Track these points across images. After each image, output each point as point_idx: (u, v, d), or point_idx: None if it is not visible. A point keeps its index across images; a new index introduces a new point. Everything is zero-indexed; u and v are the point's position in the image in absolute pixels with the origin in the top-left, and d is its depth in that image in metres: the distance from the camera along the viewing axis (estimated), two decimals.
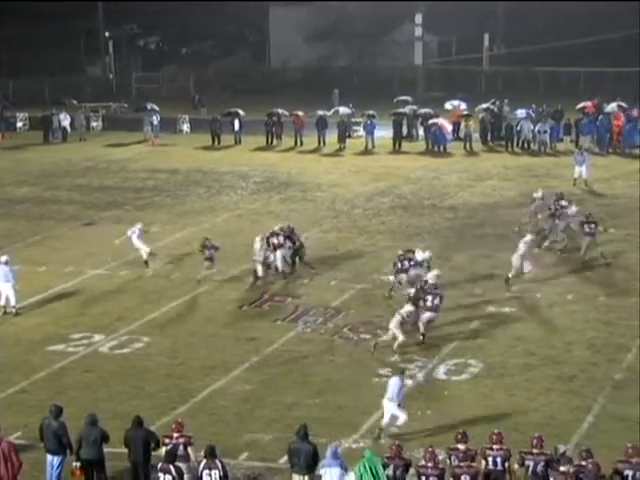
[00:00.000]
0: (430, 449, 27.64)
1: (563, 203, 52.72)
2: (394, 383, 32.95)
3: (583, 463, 27.36)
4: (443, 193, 63.97)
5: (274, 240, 47.03)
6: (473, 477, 27.22)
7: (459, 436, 28.30)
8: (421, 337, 40.54)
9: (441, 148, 75.48)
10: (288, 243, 47.31)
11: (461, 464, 27.42)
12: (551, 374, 37.95)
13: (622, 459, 27.62)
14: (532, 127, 76.74)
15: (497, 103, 78.17)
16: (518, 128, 76.93)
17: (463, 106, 77.90)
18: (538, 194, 54.95)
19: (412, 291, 41.70)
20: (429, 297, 40.94)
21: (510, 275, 46.94)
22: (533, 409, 34.66)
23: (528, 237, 48.55)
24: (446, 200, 62.00)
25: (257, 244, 46.65)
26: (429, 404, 35.24)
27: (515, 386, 36.79)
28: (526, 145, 76.08)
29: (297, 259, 47.98)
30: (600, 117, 76.12)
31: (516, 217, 56.61)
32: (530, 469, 27.65)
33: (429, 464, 27.27)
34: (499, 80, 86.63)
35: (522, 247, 47.62)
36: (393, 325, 39.86)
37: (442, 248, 51.76)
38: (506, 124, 77.64)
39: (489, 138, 76.93)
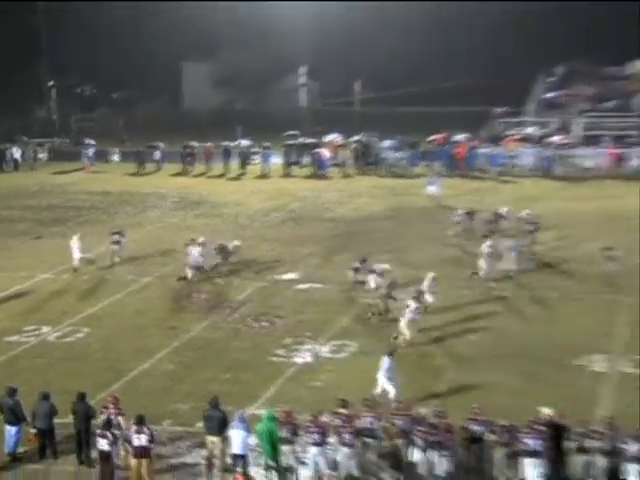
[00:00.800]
0: (315, 414, 28.28)
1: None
2: (385, 361, 33.06)
3: (436, 421, 27.85)
4: (325, 208, 64.38)
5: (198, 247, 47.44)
6: (352, 434, 27.59)
7: (341, 402, 28.72)
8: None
9: (323, 172, 75.05)
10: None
11: (344, 424, 27.89)
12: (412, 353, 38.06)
13: (470, 417, 27.98)
14: (395, 155, 76.86)
15: (366, 136, 78.05)
16: (383, 156, 77.10)
17: (339, 138, 77.87)
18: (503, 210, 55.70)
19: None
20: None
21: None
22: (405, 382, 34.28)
23: (488, 242, 48.59)
24: (327, 214, 62.50)
25: (193, 251, 47.34)
26: (318, 376, 35.56)
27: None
28: (390, 169, 75.78)
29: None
30: (446, 146, 76.47)
31: (383, 227, 57.43)
32: (399, 427, 28.09)
33: (312, 425, 27.85)
34: (368, 117, 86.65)
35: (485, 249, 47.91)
36: (404, 324, 39.27)
37: (325, 252, 52.47)
38: (374, 153, 77.57)
39: (361, 164, 76.67)
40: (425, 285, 41.94)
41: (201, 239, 48.78)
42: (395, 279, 43.71)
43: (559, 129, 79.20)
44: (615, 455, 27.12)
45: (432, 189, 65.29)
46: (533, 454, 27.21)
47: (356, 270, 44.89)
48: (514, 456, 27.48)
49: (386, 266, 45.05)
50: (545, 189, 69.20)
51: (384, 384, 32.79)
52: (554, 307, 43.87)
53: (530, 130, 79.25)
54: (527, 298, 45.14)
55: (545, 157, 75.88)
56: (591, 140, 77.65)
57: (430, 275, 42.72)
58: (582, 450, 27.57)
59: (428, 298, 41.52)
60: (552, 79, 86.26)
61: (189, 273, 47.24)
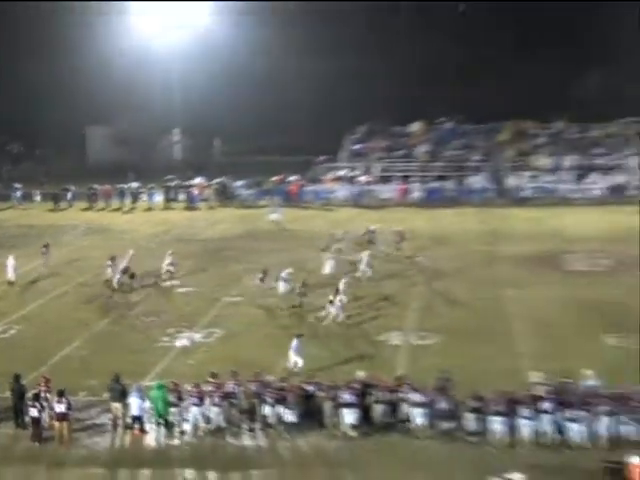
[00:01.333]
0: (194, 383, 29.67)
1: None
2: (295, 342, 33.90)
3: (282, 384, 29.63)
4: (196, 232, 64.75)
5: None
6: (220, 397, 29.23)
7: (211, 374, 30.24)
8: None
9: (193, 205, 75.38)
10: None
11: (214, 390, 29.43)
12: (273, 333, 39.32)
13: (308, 380, 29.61)
14: (245, 192, 77.76)
15: (224, 178, 78.54)
16: (237, 193, 77.92)
17: (204, 181, 78.20)
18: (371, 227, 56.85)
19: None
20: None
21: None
22: (257, 357, 35.31)
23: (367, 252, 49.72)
24: (198, 236, 62.75)
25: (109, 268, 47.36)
26: (194, 356, 36.68)
27: (246, 345, 37.82)
28: (242, 203, 76.41)
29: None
30: (283, 185, 77.67)
31: (239, 244, 57.94)
32: (253, 390, 29.51)
33: (192, 391, 29.39)
34: (225, 165, 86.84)
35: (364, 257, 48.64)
36: (333, 310, 40.03)
37: (199, 264, 52.97)
38: (230, 190, 78.16)
39: (221, 199, 77.14)
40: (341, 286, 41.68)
41: (115, 258, 48.75)
42: (306, 280, 44.35)
43: (364, 171, 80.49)
44: (399, 402, 28.93)
45: (275, 216, 66.42)
46: (350, 405, 28.36)
47: (262, 280, 44.87)
48: (337, 407, 28.64)
49: (289, 270, 45.18)
50: (354, 214, 70.28)
51: (294, 358, 33.62)
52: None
53: (343, 172, 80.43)
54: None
55: (354, 192, 77.30)
56: (386, 179, 79.42)
57: (344, 280, 42.64)
58: (380, 402, 29.09)
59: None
60: (357, 135, 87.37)
61: (113, 281, 47.23)
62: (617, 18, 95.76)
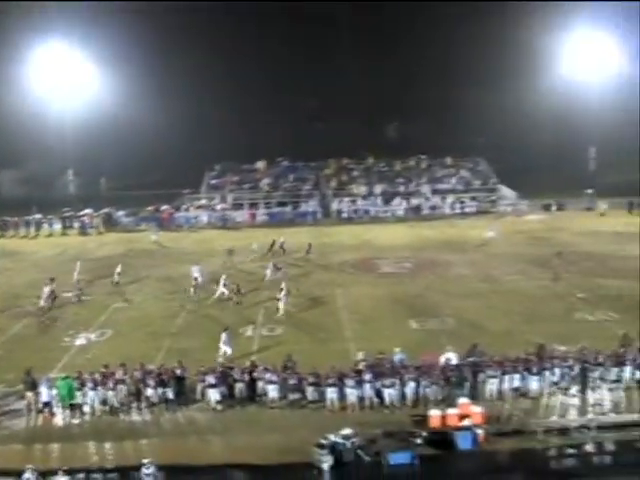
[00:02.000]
0: (92, 372, 29.80)
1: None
2: (224, 335, 33.88)
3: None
4: (89, 252, 62.17)
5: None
6: (114, 382, 29.54)
7: (104, 366, 30.25)
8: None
9: (85, 232, 73.49)
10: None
11: (107, 377, 29.66)
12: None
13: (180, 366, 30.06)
14: (127, 219, 76.59)
15: (109, 209, 76.99)
16: (120, 220, 76.51)
17: (93, 211, 76.12)
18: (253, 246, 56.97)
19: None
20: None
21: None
22: (140, 351, 35.24)
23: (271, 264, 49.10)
24: (90, 255, 60.36)
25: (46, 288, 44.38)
26: (90, 352, 36.04)
27: (131, 341, 37.48)
28: (125, 228, 74.90)
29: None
30: (157, 213, 77.04)
31: (124, 260, 53.55)
32: (137, 376, 29.87)
33: (90, 378, 29.42)
34: (110, 198, 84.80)
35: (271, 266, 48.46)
36: (281, 305, 40.42)
37: (91, 277, 50.56)
38: (114, 219, 76.45)
39: (107, 226, 75.21)
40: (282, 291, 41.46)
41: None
42: (238, 284, 44.20)
43: (220, 200, 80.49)
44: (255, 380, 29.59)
45: (155, 237, 65.76)
46: (214, 385, 28.80)
47: (195, 286, 45.21)
48: (208, 387, 29.07)
49: (224, 276, 44.99)
50: (216, 235, 69.89)
51: (224, 348, 33.58)
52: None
53: (204, 202, 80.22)
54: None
55: (214, 217, 77.17)
56: (238, 206, 79.57)
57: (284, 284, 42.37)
58: (239, 381, 29.70)
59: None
60: (214, 172, 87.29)
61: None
62: (409, 77, 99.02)
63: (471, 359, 30.36)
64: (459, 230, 68.51)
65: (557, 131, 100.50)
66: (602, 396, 29.16)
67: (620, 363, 29.90)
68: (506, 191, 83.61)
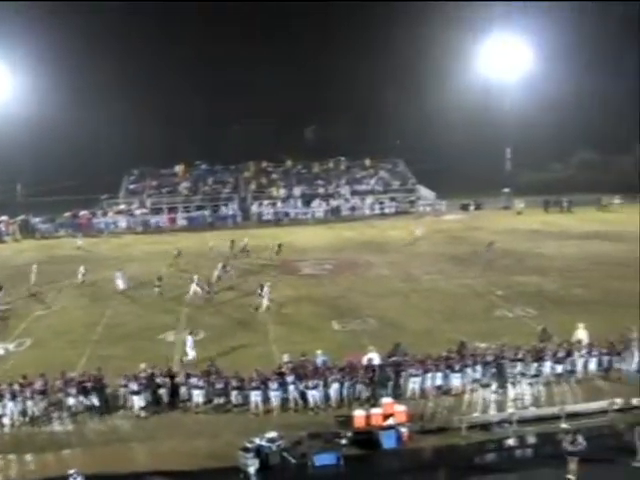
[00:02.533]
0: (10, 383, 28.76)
1: None
2: (188, 339, 34.08)
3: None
4: (8, 259, 60.54)
5: None
6: (32, 392, 28.69)
7: (22, 376, 29.33)
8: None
9: (1, 239, 71.18)
10: None
11: (24, 387, 28.86)
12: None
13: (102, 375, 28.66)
14: (44, 226, 74.37)
15: (25, 216, 75.01)
16: (37, 227, 73.90)
17: (9, 218, 74.12)
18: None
19: None
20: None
21: None
22: (61, 359, 34.50)
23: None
24: (10, 262, 58.37)
25: None
26: (9, 362, 35.01)
27: (52, 349, 36.67)
28: (42, 234, 73.21)
29: None
30: (75, 219, 75.59)
31: (44, 268, 52.01)
32: (59, 385, 28.99)
33: (8, 388, 28.52)
34: (26, 204, 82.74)
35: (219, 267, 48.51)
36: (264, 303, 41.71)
37: (12, 285, 48.16)
38: (31, 225, 74.00)
39: (24, 232, 73.35)
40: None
41: None
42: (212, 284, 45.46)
43: (139, 205, 79.49)
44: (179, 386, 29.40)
45: (80, 243, 64.77)
46: (137, 392, 28.57)
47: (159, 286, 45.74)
48: (131, 394, 28.65)
49: (196, 276, 45.46)
50: (136, 239, 69.15)
51: (189, 352, 33.59)
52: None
53: (123, 207, 79.04)
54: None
55: (133, 222, 76.20)
56: (157, 210, 78.71)
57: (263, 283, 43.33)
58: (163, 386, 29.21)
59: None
60: (132, 176, 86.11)
61: None
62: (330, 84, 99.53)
63: (393, 358, 30.58)
64: (379, 231, 69.12)
65: (474, 132, 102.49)
66: (522, 391, 29.70)
67: (540, 358, 30.50)
68: (425, 191, 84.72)
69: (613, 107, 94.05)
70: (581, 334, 32.40)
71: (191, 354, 33.76)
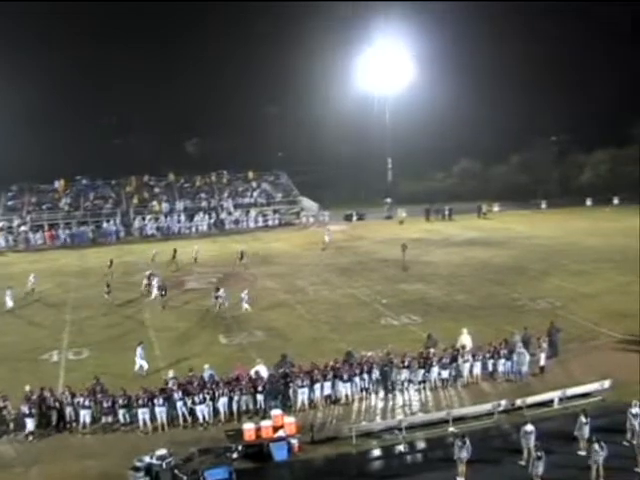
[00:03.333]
0: None
1: None
2: (138, 349, 33.39)
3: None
4: None
5: None
6: None
7: None
8: None
9: None
10: None
11: None
12: None
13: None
14: None
15: None
16: None
17: None
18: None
19: None
20: None
21: None
22: None
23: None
24: None
25: None
26: None
27: None
28: None
29: None
30: None
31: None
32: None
33: None
34: None
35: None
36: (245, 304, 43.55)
37: None
38: None
39: None
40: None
41: None
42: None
43: (18, 222, 76.79)
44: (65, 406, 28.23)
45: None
46: (27, 415, 27.31)
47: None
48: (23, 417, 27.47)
49: (157, 278, 48.47)
50: (14, 258, 66.72)
51: (140, 362, 33.18)
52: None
53: (1, 224, 76.24)
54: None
55: (12, 240, 73.81)
56: (37, 227, 76.29)
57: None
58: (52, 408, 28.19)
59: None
60: (11, 193, 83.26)
61: None
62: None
63: (281, 370, 30.41)
64: (263, 243, 69.07)
65: (357, 143, 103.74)
66: (410, 397, 30.00)
67: (426, 364, 30.89)
68: (308, 203, 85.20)
69: (491, 119, 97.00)
70: (465, 339, 33.05)
71: (139, 363, 33.25)
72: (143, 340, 35.33)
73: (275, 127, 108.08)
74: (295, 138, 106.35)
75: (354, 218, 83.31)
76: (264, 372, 30.34)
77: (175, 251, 58.40)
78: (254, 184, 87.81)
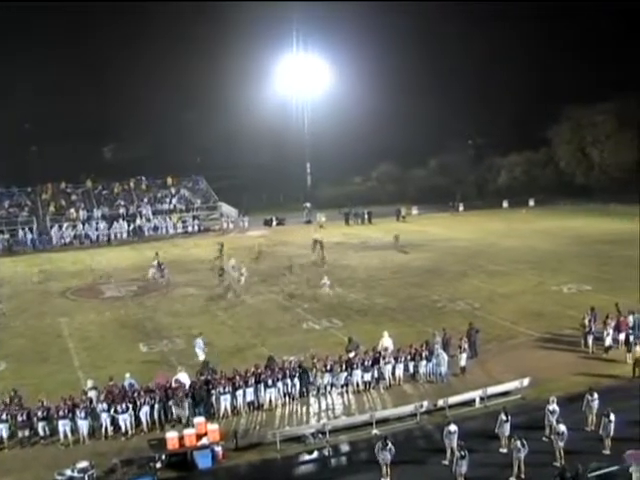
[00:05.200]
0: None
1: None
2: (199, 340, 34.86)
3: None
4: None
5: None
6: None
7: None
8: None
9: None
10: None
11: None
12: None
13: None
14: None
15: None
16: None
17: None
18: None
19: None
20: None
21: None
22: None
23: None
24: None
25: None
26: None
27: None
28: None
29: None
30: None
31: None
32: None
33: None
34: None
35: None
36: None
37: None
38: None
39: None
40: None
41: None
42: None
43: None
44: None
45: None
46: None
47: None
48: None
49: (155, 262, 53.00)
50: None
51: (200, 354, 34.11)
52: None
53: None
54: None
55: None
56: None
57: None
58: None
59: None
60: None
61: None
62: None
63: (203, 377, 30.22)
64: (183, 249, 68.46)
65: (275, 148, 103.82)
66: (333, 401, 30.14)
67: (348, 367, 31.07)
68: (227, 208, 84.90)
69: (410, 123, 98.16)
70: (386, 342, 33.39)
71: (202, 356, 33.87)
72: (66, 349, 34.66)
73: (193, 132, 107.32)
74: (214, 143, 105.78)
75: (274, 223, 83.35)
76: (186, 380, 30.11)
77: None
78: (173, 190, 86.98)
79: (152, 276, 53.70)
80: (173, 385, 29.57)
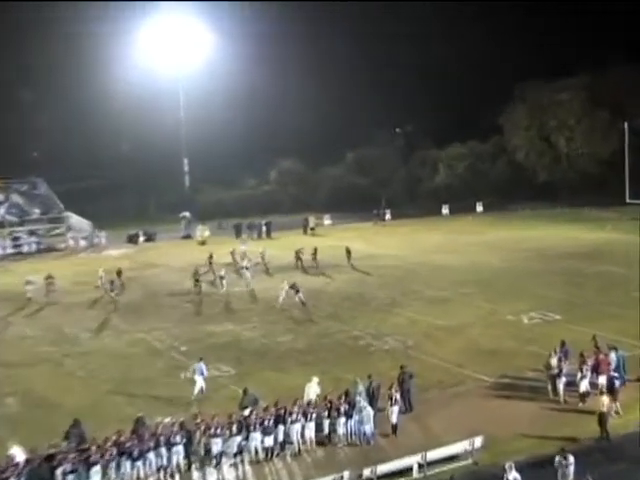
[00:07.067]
0: None
1: None
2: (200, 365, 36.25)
3: None
4: None
5: None
6: None
7: None
8: None
9: None
10: None
11: None
12: None
13: None
14: None
15: None
16: None
17: None
18: None
19: None
20: None
21: None
22: None
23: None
24: None
25: None
26: None
27: None
28: None
29: None
30: None
31: None
32: None
33: None
34: None
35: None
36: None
37: None
38: None
39: None
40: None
41: None
42: None
43: None
44: None
45: None
46: None
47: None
48: None
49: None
50: None
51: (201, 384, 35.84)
52: None
53: None
54: None
55: None
56: None
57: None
58: None
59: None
60: None
61: None
62: None
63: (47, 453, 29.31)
64: (15, 277, 66.92)
65: (141, 140, 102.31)
66: (223, 474, 29.52)
67: (243, 430, 30.52)
68: (77, 220, 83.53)
69: (321, 108, 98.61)
70: (313, 392, 33.10)
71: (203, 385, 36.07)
72: None
73: (28, 118, 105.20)
74: (57, 133, 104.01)
75: (141, 239, 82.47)
76: (21, 456, 29.13)
77: None
78: (0, 196, 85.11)
79: None
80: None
